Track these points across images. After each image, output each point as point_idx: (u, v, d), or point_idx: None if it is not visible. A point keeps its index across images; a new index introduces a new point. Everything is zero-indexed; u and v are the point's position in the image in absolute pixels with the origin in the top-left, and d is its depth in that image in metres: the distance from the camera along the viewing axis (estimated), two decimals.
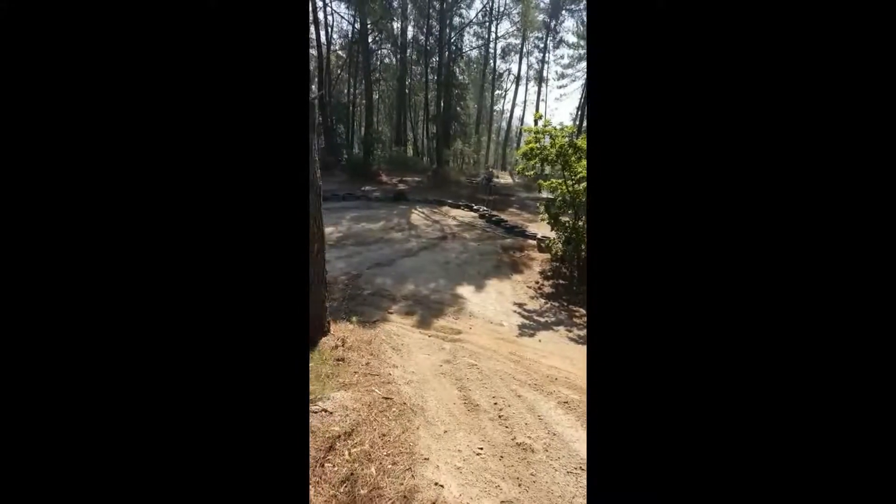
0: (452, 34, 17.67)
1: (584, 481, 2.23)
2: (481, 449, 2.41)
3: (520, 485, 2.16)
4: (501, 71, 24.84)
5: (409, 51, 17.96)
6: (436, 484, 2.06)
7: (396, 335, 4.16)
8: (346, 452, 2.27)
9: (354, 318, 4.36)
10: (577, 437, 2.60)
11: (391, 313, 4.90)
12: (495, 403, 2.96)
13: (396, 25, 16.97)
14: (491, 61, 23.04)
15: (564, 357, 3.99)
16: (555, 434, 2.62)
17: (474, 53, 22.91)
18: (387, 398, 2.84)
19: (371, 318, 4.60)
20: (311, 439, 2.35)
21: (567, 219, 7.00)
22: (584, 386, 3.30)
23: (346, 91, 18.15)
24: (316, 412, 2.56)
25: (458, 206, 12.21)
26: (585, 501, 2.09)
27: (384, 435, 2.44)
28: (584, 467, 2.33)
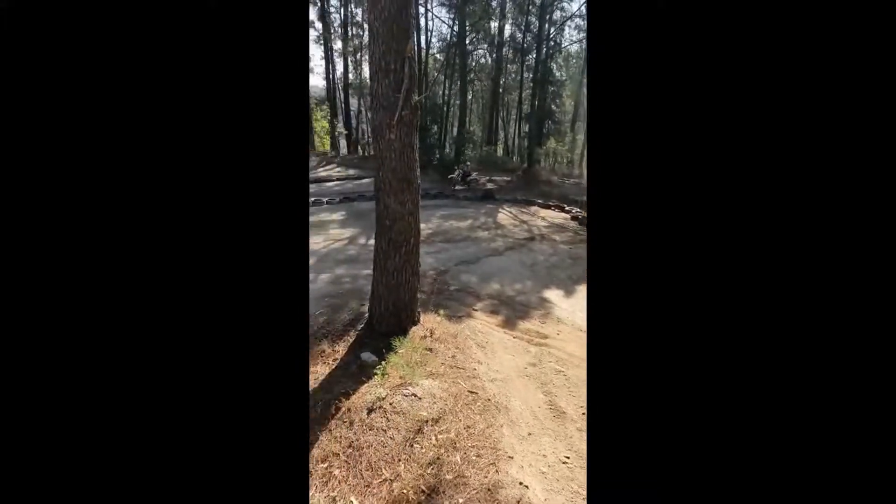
0: (552, 29, 17.10)
1: None
2: (567, 458, 2.34)
3: None
4: None
5: (504, 49, 17.88)
6: (520, 483, 2.07)
7: (481, 332, 4.22)
8: (433, 437, 2.39)
9: (442, 312, 4.54)
10: None
11: (476, 311, 4.97)
12: (583, 413, 2.84)
13: (494, 25, 17.01)
14: None
15: None
16: None
17: (574, 48, 21.86)
18: (472, 392, 2.92)
19: (457, 313, 4.73)
20: (401, 419, 2.53)
21: None
22: None
23: (441, 92, 18.79)
24: (406, 395, 2.74)
25: (548, 207, 11.82)
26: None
27: (469, 427, 2.51)
28: None
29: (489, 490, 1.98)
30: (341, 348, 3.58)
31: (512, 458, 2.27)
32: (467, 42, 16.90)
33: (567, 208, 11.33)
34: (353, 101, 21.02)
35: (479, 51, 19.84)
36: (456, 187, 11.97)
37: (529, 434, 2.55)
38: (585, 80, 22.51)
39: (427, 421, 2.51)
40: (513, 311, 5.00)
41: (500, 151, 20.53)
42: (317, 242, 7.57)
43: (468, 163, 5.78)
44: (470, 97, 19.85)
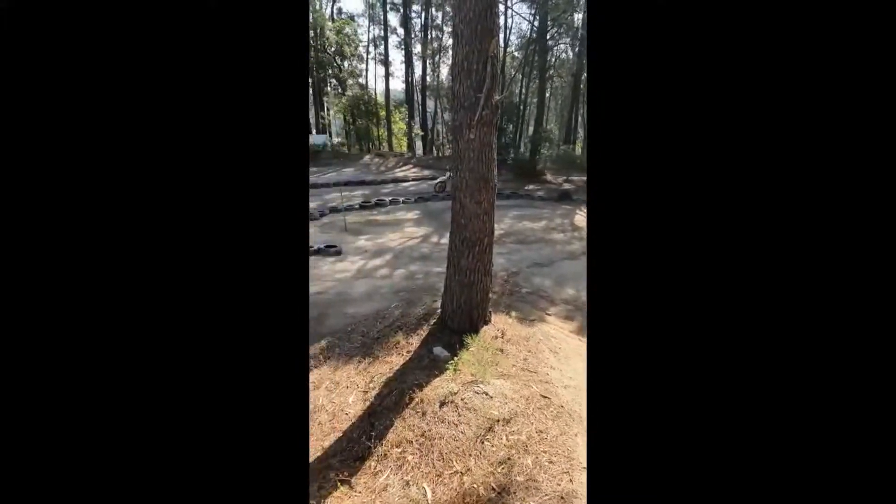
0: None
1: None
2: None
3: None
4: None
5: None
6: None
7: (554, 338, 4.09)
8: (504, 437, 2.38)
9: (513, 314, 4.48)
10: None
11: (549, 315, 4.82)
12: None
13: (577, 17, 16.28)
14: None
15: None
16: None
17: None
18: (544, 397, 2.84)
19: (528, 316, 4.64)
20: (472, 416, 2.56)
21: None
22: None
23: (517, 91, 18.50)
24: (478, 393, 2.76)
25: None
26: None
27: (541, 431, 2.45)
28: None
29: (562, 498, 1.92)
30: (414, 341, 3.73)
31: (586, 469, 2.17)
32: (548, 37, 16.40)
33: None
34: (430, 103, 21.66)
35: (560, 46, 19.14)
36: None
37: None
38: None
39: (498, 420, 2.50)
40: None
41: (578, 150, 19.61)
42: (392, 240, 7.97)
43: (448, 174, 5.74)
44: (548, 95, 19.25)
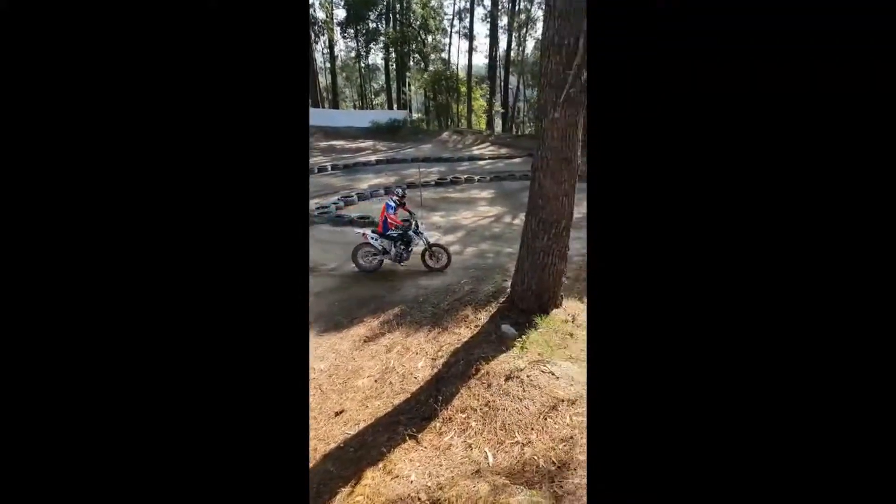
0: None
1: None
2: None
3: None
4: None
5: None
6: None
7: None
8: (568, 417, 2.41)
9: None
10: None
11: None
12: None
13: None
14: None
15: None
16: None
17: None
18: None
19: None
20: (537, 393, 2.62)
21: None
22: None
23: None
24: (544, 372, 2.81)
25: None
26: None
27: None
28: None
29: None
30: (483, 317, 3.84)
31: None
32: None
33: None
34: (512, 80, 20.94)
35: None
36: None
37: None
38: None
39: (563, 400, 2.53)
40: None
41: None
42: (465, 217, 8.08)
43: (403, 186, 5.40)
44: None
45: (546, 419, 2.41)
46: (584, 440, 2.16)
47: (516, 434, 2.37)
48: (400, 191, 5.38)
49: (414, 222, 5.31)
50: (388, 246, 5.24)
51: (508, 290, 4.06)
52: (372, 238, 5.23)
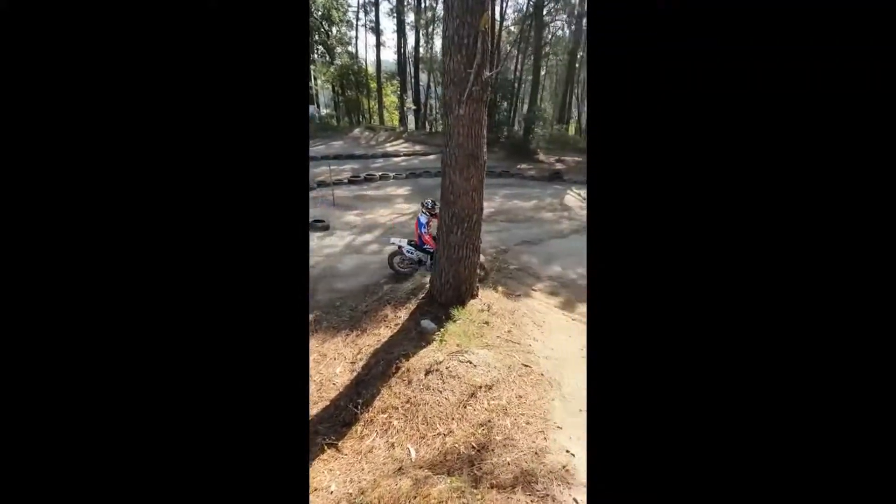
0: None
1: None
2: None
3: None
4: None
5: (584, 20, 16.64)
6: (567, 451, 2.12)
7: (539, 311, 4.23)
8: (486, 402, 2.52)
9: (500, 289, 4.60)
10: None
11: (535, 290, 4.96)
12: None
13: None
14: None
15: None
16: None
17: None
18: (525, 365, 2.98)
19: (515, 291, 4.76)
20: (456, 383, 2.68)
21: None
22: None
23: (512, 67, 18.14)
24: (462, 362, 2.89)
25: None
26: None
27: (521, 396, 2.59)
28: None
29: (536, 454, 2.06)
30: (402, 314, 3.82)
31: (561, 428, 2.33)
32: (545, 13, 15.98)
33: None
34: (423, 77, 21.08)
35: (557, 22, 18.68)
36: (520, 165, 11.31)
37: (580, 410, 2.57)
38: None
39: (481, 387, 2.63)
40: (573, 294, 4.91)
41: (571, 130, 19.49)
42: (382, 215, 7.96)
43: (433, 201, 4.97)
44: (543, 73, 18.93)
45: (465, 407, 2.49)
46: (500, 422, 2.28)
47: (438, 426, 2.40)
48: (430, 202, 4.96)
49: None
50: (423, 258, 5.03)
51: (428, 286, 4.10)
52: (407, 251, 5.05)
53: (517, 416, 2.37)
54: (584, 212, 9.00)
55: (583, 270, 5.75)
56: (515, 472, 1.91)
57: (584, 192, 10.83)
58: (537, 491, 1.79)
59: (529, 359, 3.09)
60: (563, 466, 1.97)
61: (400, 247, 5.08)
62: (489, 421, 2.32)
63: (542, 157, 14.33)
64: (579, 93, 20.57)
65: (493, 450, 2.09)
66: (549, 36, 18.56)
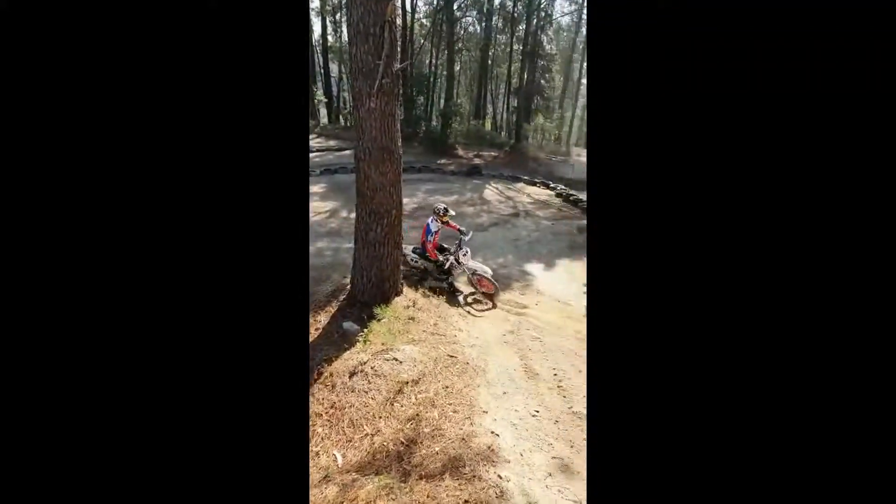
0: None
1: None
2: (537, 411, 2.51)
3: (571, 446, 2.23)
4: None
5: (494, 18, 17.35)
6: (492, 432, 2.22)
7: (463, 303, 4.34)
8: (413, 397, 2.52)
9: (425, 284, 4.63)
10: None
11: (458, 283, 5.08)
12: (555, 374, 3.01)
13: None
14: (583, 29, 21.31)
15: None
16: None
17: (565, 20, 21.34)
18: (451, 356, 3.04)
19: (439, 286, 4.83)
20: (382, 381, 2.64)
21: None
22: None
23: (428, 62, 18.23)
24: (388, 360, 2.85)
25: (534, 184, 11.86)
26: None
27: (447, 387, 2.64)
28: None
29: (463, 439, 2.12)
30: (322, 318, 3.64)
31: (486, 412, 2.42)
32: (455, 7, 16.28)
33: (552, 185, 11.40)
34: (333, 67, 20.15)
35: (468, 18, 19.18)
36: (439, 160, 11.28)
37: (504, 393, 2.70)
38: (576, 56, 22.20)
39: (407, 382, 2.63)
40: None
41: (488, 126, 20.26)
42: None
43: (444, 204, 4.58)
44: (458, 68, 19.32)
45: (393, 405, 2.46)
46: (428, 414, 2.30)
47: (365, 427, 2.34)
48: (441, 207, 4.41)
49: (455, 253, 4.43)
50: (429, 267, 4.53)
51: (349, 286, 3.96)
52: (411, 259, 4.53)
53: (444, 407, 2.42)
54: (503, 206, 9.46)
55: (502, 260, 6.05)
56: (444, 460, 1.95)
57: (500, 186, 11.37)
58: (465, 474, 1.85)
59: (455, 349, 3.16)
60: (489, 447, 2.06)
61: (405, 255, 4.52)
62: (417, 415, 2.32)
63: (460, 152, 14.69)
64: (493, 89, 21.41)
65: (421, 442, 2.11)
66: (462, 31, 18.98)
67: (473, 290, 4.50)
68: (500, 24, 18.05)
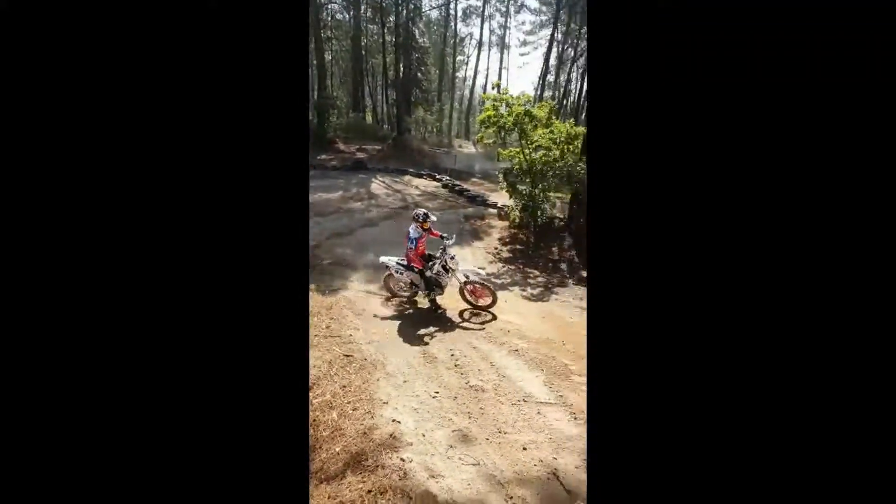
0: None
1: (526, 411, 2.52)
2: (437, 392, 2.64)
3: (470, 417, 2.41)
4: (463, 35, 24.14)
5: (363, 7, 16.96)
6: (393, 421, 2.27)
7: (357, 301, 4.27)
8: (310, 403, 2.41)
9: (314, 286, 4.40)
10: (522, 377, 2.90)
11: (351, 281, 4.96)
12: (452, 355, 3.19)
13: None
14: (452, 24, 22.29)
15: (518, 313, 4.29)
16: (504, 376, 2.90)
17: (434, 14, 22.00)
18: (347, 356, 2.99)
19: (331, 285, 4.66)
20: None
21: (524, 187, 7.22)
22: (534, 336, 3.60)
23: None
24: None
25: (420, 176, 12.13)
26: (527, 426, 2.38)
27: (345, 386, 2.60)
28: (527, 400, 2.62)
29: (364, 434, 2.13)
30: None
31: (387, 403, 2.46)
32: None
33: (438, 177, 11.82)
34: None
35: (334, 5, 18.38)
36: (319, 156, 10.81)
37: (405, 381, 2.77)
38: (448, 50, 23.13)
39: None
40: None
41: (369, 119, 19.88)
42: None
43: (424, 211, 4.16)
44: (329, 58, 18.44)
45: None
46: (326, 417, 2.24)
47: None
48: (421, 213, 4.03)
49: (441, 258, 3.99)
50: (416, 279, 4.09)
51: None
52: (396, 270, 4.11)
53: (343, 406, 2.38)
54: (391, 199, 9.48)
55: (397, 255, 6.10)
56: (345, 459, 1.93)
57: (387, 180, 11.35)
58: (367, 466, 1.86)
59: (351, 348, 3.11)
60: (391, 435, 2.11)
61: (388, 266, 4.17)
62: (314, 420, 2.24)
63: (341, 146, 14.17)
64: (371, 81, 21.02)
65: (320, 447, 2.04)
66: (329, 18, 18.11)
67: (468, 303, 4.07)
68: (369, 14, 17.74)
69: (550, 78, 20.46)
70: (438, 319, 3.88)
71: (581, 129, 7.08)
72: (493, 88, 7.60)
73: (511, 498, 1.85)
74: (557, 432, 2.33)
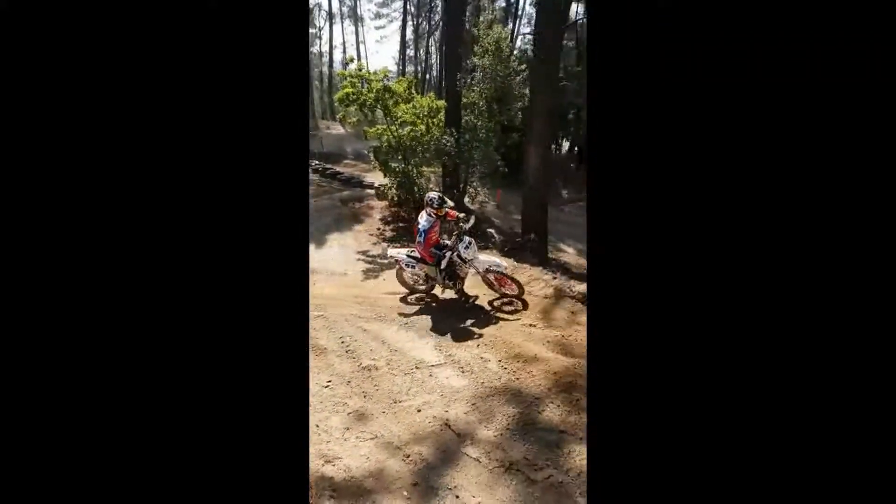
0: None
1: (419, 376, 2.69)
2: (329, 381, 2.62)
3: (365, 397, 2.47)
4: (311, 5, 22.24)
5: None
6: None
7: None
8: None
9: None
10: (413, 347, 3.06)
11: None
12: (343, 342, 3.17)
13: None
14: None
15: (404, 290, 4.43)
16: (396, 350, 3.01)
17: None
18: None
19: None
20: None
21: (397, 164, 7.27)
22: (420, 307, 3.78)
23: None
24: None
25: None
26: (421, 389, 2.54)
27: None
28: (419, 366, 2.79)
29: None
30: None
31: None
32: None
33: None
34: None
35: None
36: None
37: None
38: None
39: None
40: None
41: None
42: None
43: (438, 193, 3.65)
44: None
45: None
46: None
47: None
48: (435, 199, 3.58)
49: (454, 247, 3.54)
50: (431, 273, 3.70)
51: None
52: (407, 264, 3.75)
53: None
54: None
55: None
56: None
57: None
58: None
59: None
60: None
61: (398, 260, 3.81)
62: None
63: None
64: None
65: None
66: None
67: (495, 293, 3.73)
68: None
69: (410, 53, 20.44)
70: (326, 307, 3.77)
71: (442, 103, 7.35)
72: (347, 64, 7.30)
73: (409, 456, 1.99)
74: (448, 388, 2.55)
